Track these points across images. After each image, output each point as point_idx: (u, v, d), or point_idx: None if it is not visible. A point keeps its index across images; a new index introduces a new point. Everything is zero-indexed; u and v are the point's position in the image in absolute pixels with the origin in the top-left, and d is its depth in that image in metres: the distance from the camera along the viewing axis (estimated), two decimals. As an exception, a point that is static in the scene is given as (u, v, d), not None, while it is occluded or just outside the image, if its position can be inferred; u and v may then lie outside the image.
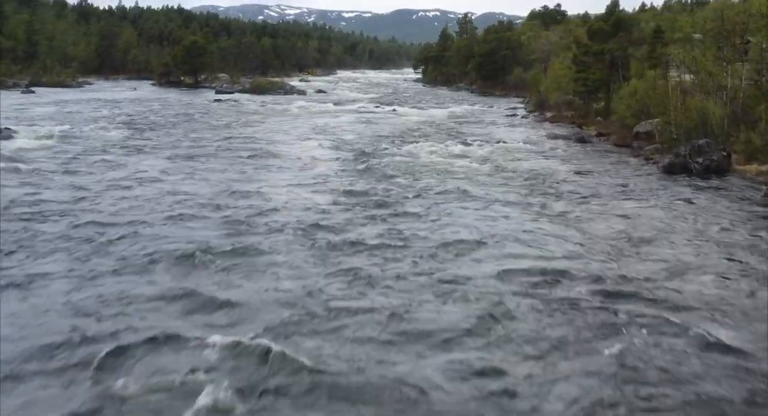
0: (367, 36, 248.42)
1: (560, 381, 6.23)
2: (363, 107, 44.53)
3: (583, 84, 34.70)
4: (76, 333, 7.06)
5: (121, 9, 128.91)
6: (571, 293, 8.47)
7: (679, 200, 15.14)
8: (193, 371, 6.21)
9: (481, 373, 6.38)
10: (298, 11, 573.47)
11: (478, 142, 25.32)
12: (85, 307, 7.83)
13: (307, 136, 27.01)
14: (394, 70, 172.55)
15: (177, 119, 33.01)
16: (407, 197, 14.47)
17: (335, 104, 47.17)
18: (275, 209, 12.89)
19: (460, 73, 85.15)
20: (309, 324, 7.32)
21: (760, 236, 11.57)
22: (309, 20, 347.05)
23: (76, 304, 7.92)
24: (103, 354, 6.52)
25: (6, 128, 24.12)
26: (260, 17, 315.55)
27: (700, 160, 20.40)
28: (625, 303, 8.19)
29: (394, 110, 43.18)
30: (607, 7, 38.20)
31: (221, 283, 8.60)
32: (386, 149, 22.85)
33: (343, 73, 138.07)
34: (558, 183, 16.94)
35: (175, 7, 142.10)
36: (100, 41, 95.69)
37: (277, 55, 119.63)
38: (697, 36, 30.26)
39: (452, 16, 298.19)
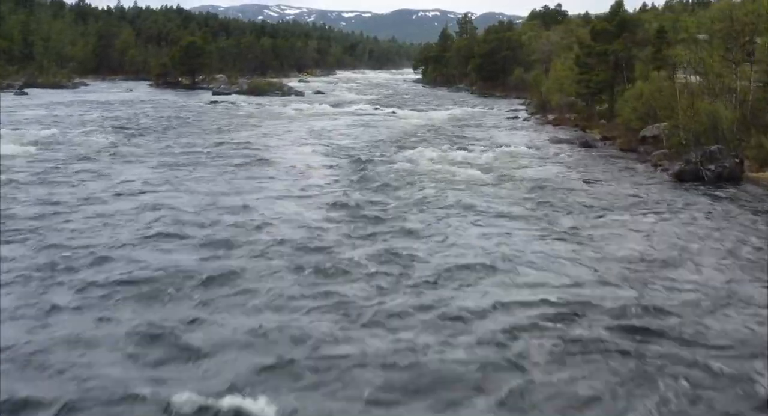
0: (367, 36, 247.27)
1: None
2: (361, 109, 43.58)
3: (587, 86, 33.89)
4: (11, 395, 5.96)
5: (120, 9, 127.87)
6: (591, 332, 7.47)
7: (696, 213, 14.15)
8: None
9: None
10: (297, 11, 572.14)
11: (480, 147, 24.38)
12: (28, 357, 6.76)
13: (302, 141, 26.02)
14: (393, 71, 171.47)
15: (169, 123, 32.01)
16: (406, 212, 13.45)
17: (333, 106, 46.21)
18: (262, 227, 11.86)
19: (460, 74, 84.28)
20: (289, 376, 6.31)
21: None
22: (309, 20, 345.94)
23: (18, 352, 6.85)
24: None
25: (-12, 133, 23.23)
26: (260, 17, 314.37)
27: (712, 167, 19.52)
28: (653, 343, 7.20)
29: (393, 112, 42.26)
30: (611, 7, 37.34)
31: (193, 322, 7.56)
32: (384, 155, 21.87)
33: (342, 74, 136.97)
34: (566, 194, 15.96)
35: (174, 7, 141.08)
36: (97, 41, 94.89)
37: (276, 56, 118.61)
38: (702, 37, 29.42)
39: (452, 16, 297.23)
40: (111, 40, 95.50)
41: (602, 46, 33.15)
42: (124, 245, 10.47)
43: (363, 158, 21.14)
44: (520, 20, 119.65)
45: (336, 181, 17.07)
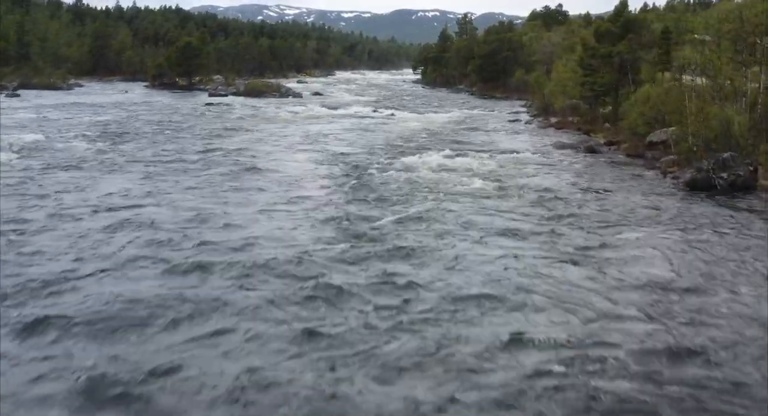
0: (367, 36, 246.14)
1: None
2: (359, 112, 42.59)
3: (591, 88, 32.96)
4: None
5: (118, 9, 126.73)
6: (616, 385, 6.40)
7: (716, 228, 13.14)
8: None
9: None
10: (297, 11, 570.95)
11: (482, 153, 23.42)
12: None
13: (296, 147, 24.97)
14: (393, 71, 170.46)
15: (160, 127, 30.95)
16: (403, 229, 12.38)
17: (331, 108, 45.22)
18: (245, 248, 10.79)
19: (459, 75, 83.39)
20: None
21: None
22: (308, 20, 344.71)
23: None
24: None
25: (-32, 140, 22.20)
26: (259, 17, 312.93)
27: (725, 175, 18.64)
28: (687, 399, 6.17)
29: (392, 114, 41.32)
30: (616, 7, 36.39)
31: (153, 372, 6.49)
32: (381, 163, 20.85)
33: (341, 75, 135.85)
34: (574, 207, 14.95)
35: (173, 7, 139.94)
36: (93, 42, 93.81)
37: (275, 56, 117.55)
38: (705, 37, 28.55)
39: (452, 16, 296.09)
40: (108, 41, 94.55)
41: (607, 48, 32.25)
42: (87, 274, 9.33)
43: (359, 166, 20.13)
44: (520, 20, 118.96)
45: (329, 193, 16.03)
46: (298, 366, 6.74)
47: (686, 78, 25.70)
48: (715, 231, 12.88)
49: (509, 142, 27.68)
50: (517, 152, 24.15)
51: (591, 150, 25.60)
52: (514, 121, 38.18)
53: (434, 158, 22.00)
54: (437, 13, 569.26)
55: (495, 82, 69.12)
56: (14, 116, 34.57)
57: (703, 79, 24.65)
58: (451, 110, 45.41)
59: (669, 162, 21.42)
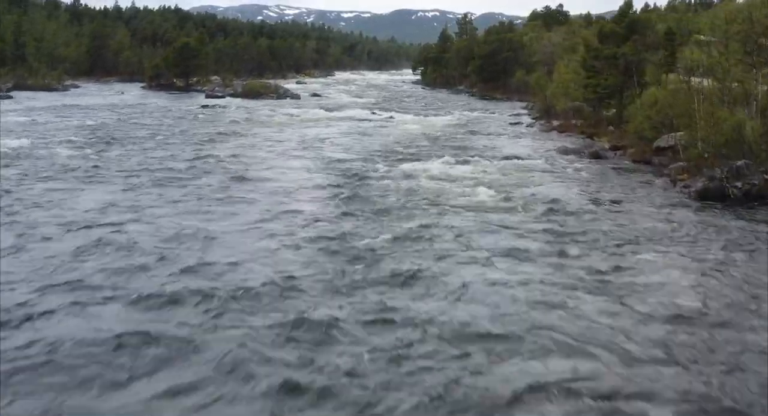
0: (366, 36, 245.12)
1: None
2: (358, 114, 41.64)
3: (594, 90, 32.01)
4: None
5: (116, 9, 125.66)
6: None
7: (738, 245, 12.15)
8: None
9: None
10: (297, 11, 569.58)
11: (483, 160, 22.48)
12: None
13: (291, 153, 23.96)
14: (393, 72, 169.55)
15: (151, 132, 29.93)
16: (401, 250, 11.37)
17: (329, 110, 44.28)
18: (225, 274, 9.76)
19: (459, 75, 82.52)
20: None
21: None
22: (308, 20, 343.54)
23: None
24: None
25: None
26: (259, 17, 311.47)
27: (739, 184, 17.81)
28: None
29: (390, 117, 40.37)
30: (621, 8, 35.50)
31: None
32: (378, 171, 19.86)
33: (341, 75, 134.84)
34: (584, 221, 13.95)
35: (172, 7, 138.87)
36: (91, 42, 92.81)
37: (274, 57, 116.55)
38: (712, 39, 27.68)
39: (451, 16, 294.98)
40: (105, 41, 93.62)
41: (611, 49, 31.30)
42: (44, 309, 8.25)
43: (355, 174, 19.15)
44: (520, 20, 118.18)
45: (322, 206, 15.04)
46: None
47: (694, 80, 24.80)
48: (739, 249, 11.90)
49: (511, 147, 26.73)
50: (520, 158, 23.21)
51: (596, 156, 24.70)
52: (515, 124, 37.28)
53: (434, 165, 21.05)
54: (437, 13, 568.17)
55: (495, 83, 68.31)
56: (3, 119, 33.52)
57: (710, 82, 23.74)
58: (452, 112, 44.49)
59: (678, 169, 20.49)
